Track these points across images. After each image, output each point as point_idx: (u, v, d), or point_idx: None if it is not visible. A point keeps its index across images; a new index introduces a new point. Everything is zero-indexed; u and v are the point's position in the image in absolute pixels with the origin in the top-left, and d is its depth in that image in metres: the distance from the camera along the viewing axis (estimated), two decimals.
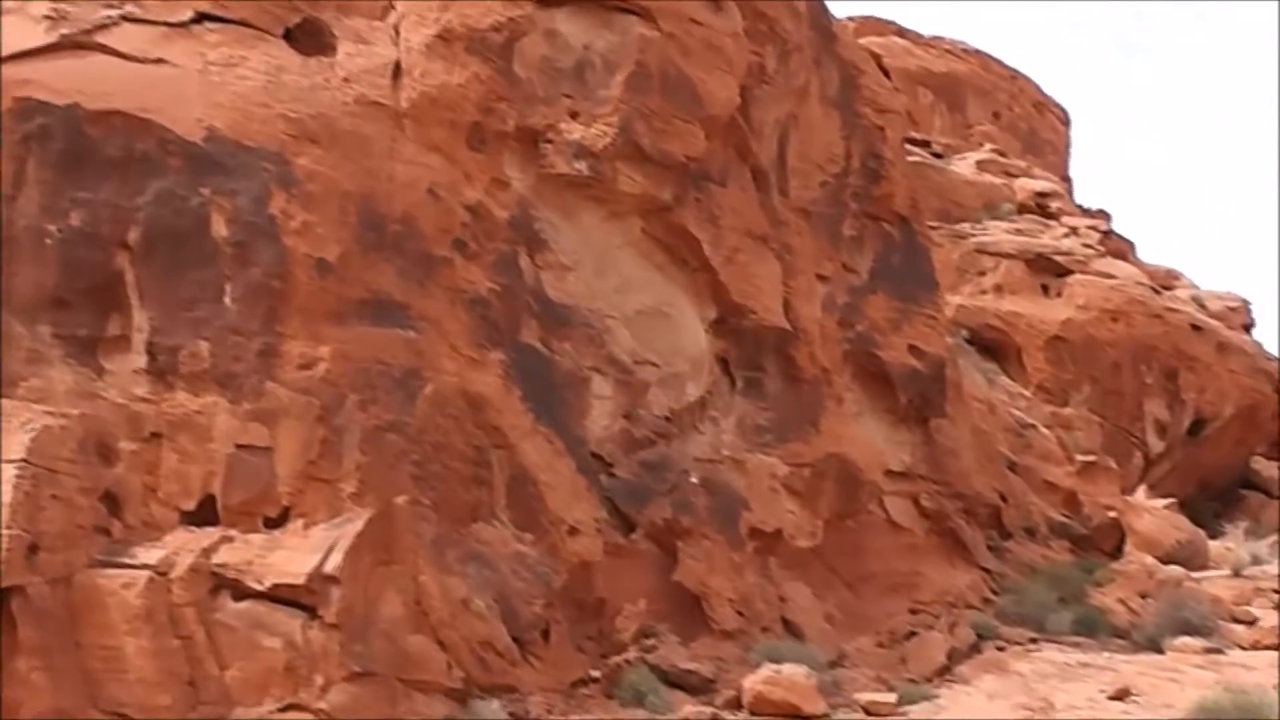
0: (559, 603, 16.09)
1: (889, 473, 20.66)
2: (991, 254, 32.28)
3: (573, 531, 16.47)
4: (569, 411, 17.05)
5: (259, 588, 13.66)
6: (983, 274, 32.09)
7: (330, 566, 13.92)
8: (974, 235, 32.37)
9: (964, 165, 35.74)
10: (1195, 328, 33.53)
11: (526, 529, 16.08)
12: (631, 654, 16.31)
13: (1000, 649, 18.47)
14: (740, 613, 17.83)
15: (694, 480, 18.03)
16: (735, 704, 15.85)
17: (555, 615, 16.04)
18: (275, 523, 14.19)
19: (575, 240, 17.73)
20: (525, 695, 15.15)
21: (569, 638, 16.25)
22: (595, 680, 15.97)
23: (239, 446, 14.22)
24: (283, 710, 13.40)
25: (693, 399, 18.66)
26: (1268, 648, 18.46)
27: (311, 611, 13.74)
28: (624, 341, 17.91)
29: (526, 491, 16.16)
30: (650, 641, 16.67)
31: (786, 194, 20.29)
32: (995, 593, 20.74)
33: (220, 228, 14.60)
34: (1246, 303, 38.13)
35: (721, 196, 19.05)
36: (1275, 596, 21.77)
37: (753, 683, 15.87)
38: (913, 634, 18.94)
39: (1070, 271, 32.42)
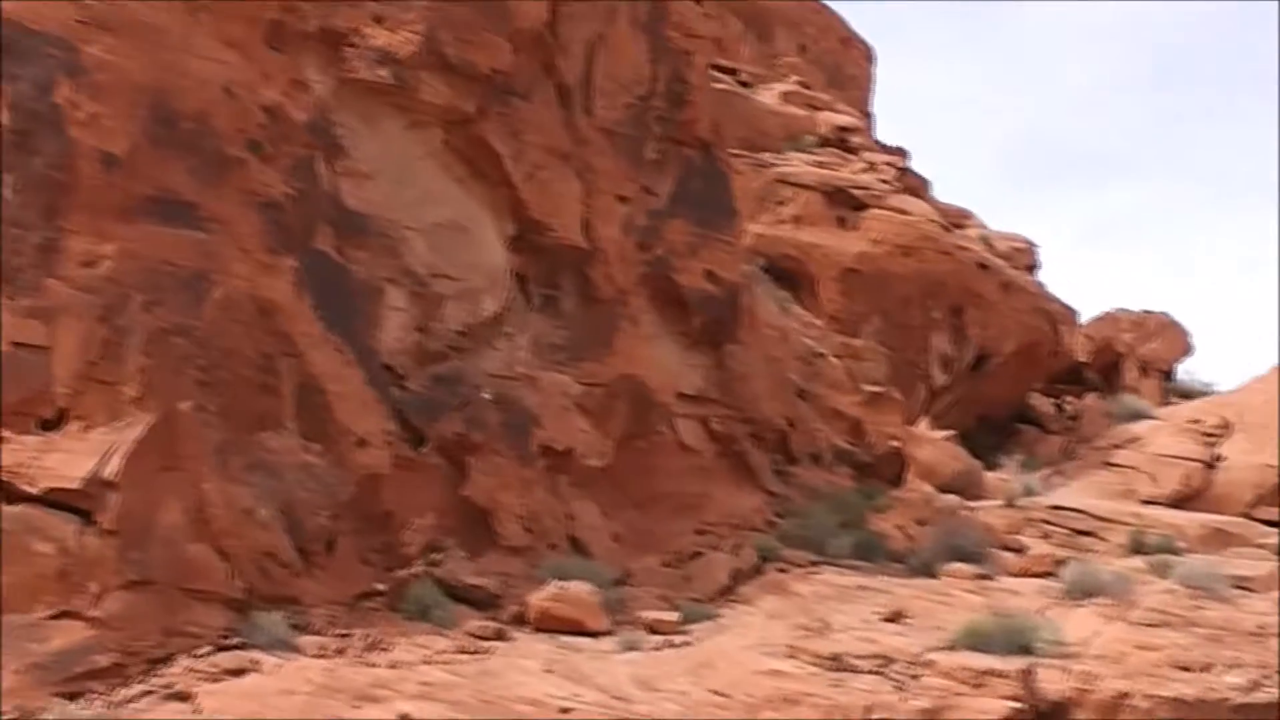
0: (345, 515, 15.94)
1: (681, 395, 20.84)
2: (791, 185, 32.60)
3: (361, 443, 16.30)
4: (361, 322, 16.83)
5: (33, 491, 13.28)
6: (782, 204, 32.41)
7: (108, 471, 13.59)
8: (775, 165, 32.63)
9: (769, 95, 35.91)
10: (982, 266, 34.41)
11: (314, 439, 15.88)
12: (417, 568, 16.26)
13: (782, 571, 18.81)
14: (528, 529, 17.88)
15: (486, 396, 17.97)
16: (520, 620, 15.92)
17: (341, 527, 15.90)
18: (52, 425, 13.78)
19: (375, 148, 17.45)
20: (308, 607, 15.00)
21: (354, 550, 16.12)
22: (380, 593, 15.88)
23: (15, 345, 13.72)
24: (55, 617, 13.08)
25: (488, 315, 18.57)
26: (1035, 575, 19.15)
27: (88, 517, 13.40)
28: (420, 253, 17.72)
29: (315, 401, 15.93)
30: (437, 556, 16.62)
31: (591, 113, 20.20)
32: (780, 516, 21.09)
33: (0, 114, 14.01)
34: (1032, 244, 39.30)
35: (526, 112, 18.91)
36: (1044, 527, 22.57)
37: (538, 599, 15.96)
38: (698, 554, 19.20)
39: (866, 206, 32.93)
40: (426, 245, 17.81)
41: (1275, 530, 25.81)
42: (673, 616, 16.47)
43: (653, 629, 16.10)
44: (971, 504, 23.13)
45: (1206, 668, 15.37)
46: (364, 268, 17.00)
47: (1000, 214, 78.15)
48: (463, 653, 14.74)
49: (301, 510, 15.36)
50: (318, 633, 14.53)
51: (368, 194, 17.18)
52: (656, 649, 15.53)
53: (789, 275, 30.75)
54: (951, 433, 26.96)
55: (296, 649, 13.97)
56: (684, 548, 19.39)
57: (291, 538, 15.17)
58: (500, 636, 15.36)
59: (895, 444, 24.40)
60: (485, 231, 18.64)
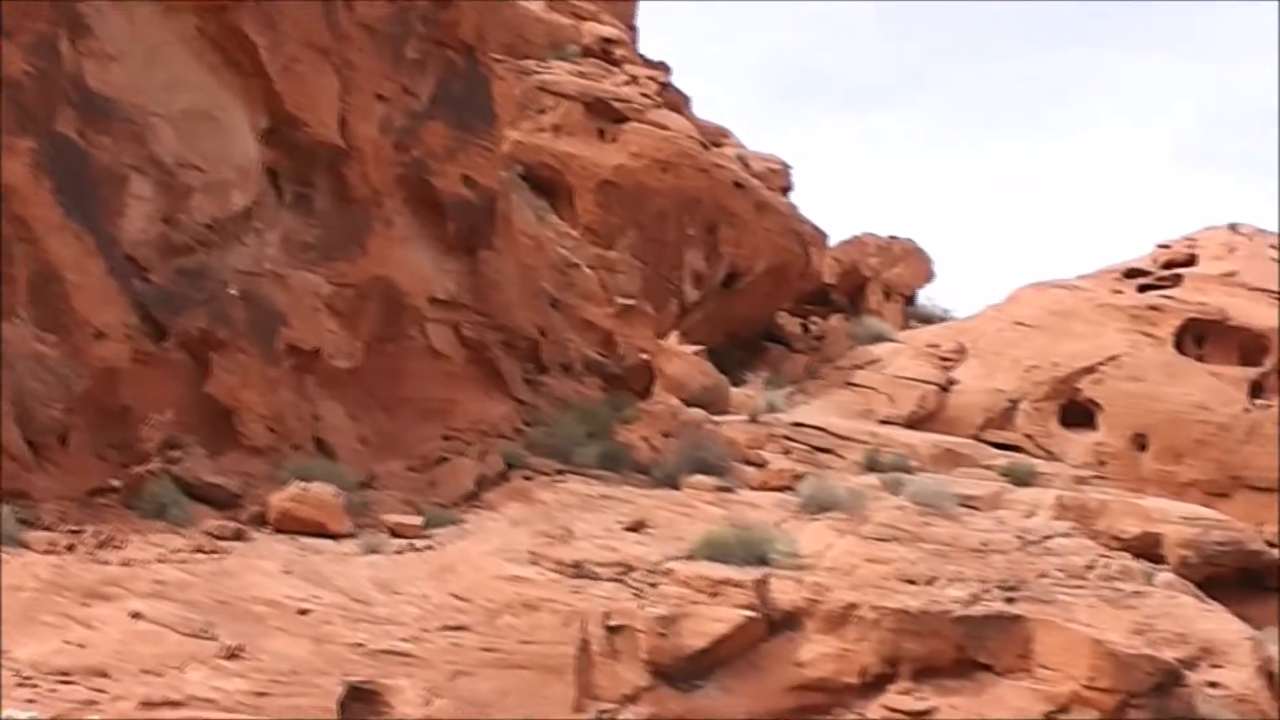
0: (80, 408, 15.45)
1: (433, 300, 20.65)
2: (553, 93, 32.49)
3: (99, 335, 15.79)
4: (104, 210, 16.23)
5: None
6: (542, 112, 32.27)
7: None
8: (538, 73, 32.44)
9: (534, 2, 35.63)
10: (738, 185, 34.85)
11: (49, 329, 15.32)
12: (155, 465, 15.84)
13: (528, 478, 18.87)
14: (272, 429, 17.57)
15: (233, 292, 17.53)
16: (260, 520, 15.69)
17: (75, 421, 15.41)
18: None
19: (124, 30, 16.77)
20: (37, 502, 14.55)
21: (89, 445, 15.66)
22: (115, 490, 15.46)
23: None
24: None
25: (238, 209, 18.07)
26: (774, 489, 19.63)
27: None
28: (168, 142, 17.13)
29: (51, 290, 15.36)
30: (175, 453, 16.22)
31: (352, 8, 19.72)
32: (528, 424, 21.14)
33: None
34: (787, 166, 39.94)
35: (284, 2, 18.37)
36: (786, 443, 23.17)
37: (279, 499, 15.75)
38: (444, 460, 19.14)
39: (627, 119, 33.03)
40: (174, 134, 17.22)
41: (1002, 452, 26.97)
42: (416, 521, 16.43)
43: (395, 532, 16.05)
44: (716, 419, 23.57)
45: (931, 581, 16.04)
46: (108, 154, 16.37)
47: (759, 136, 79.08)
48: (199, 552, 14.47)
49: (33, 402, 14.84)
50: (47, 528, 14.08)
51: (113, 77, 16.52)
52: (398, 552, 15.49)
53: (547, 184, 30.71)
54: (700, 348, 27.38)
55: (24, 544, 13.51)
56: (430, 453, 19.31)
57: (22, 430, 14.66)
58: (239, 537, 15.11)
59: (645, 357, 24.63)
60: (237, 123, 18.11)
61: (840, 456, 23.19)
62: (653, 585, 14.94)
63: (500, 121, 23.31)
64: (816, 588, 15.38)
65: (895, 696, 14.71)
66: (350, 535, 15.70)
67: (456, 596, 14.29)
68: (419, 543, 15.89)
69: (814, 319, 40.17)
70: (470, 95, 21.87)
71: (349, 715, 12.48)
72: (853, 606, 15.12)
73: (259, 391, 17.49)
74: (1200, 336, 38.16)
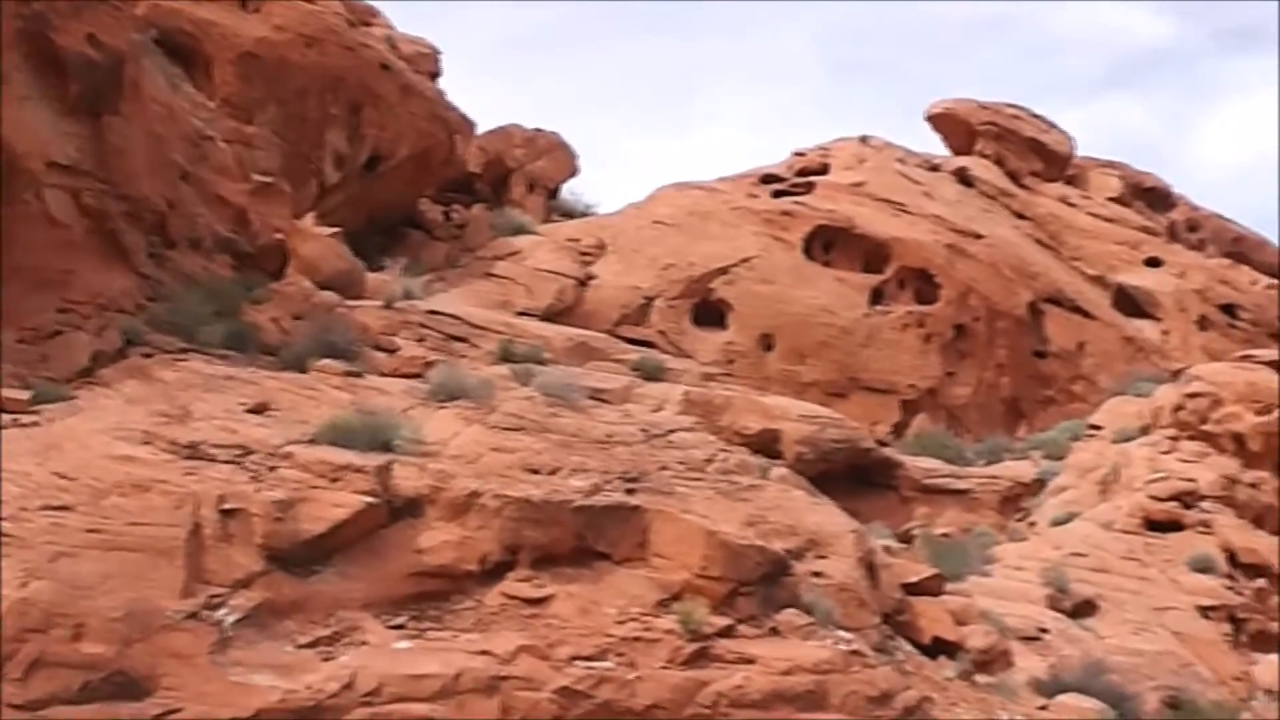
0: None
1: (51, 164, 19.49)
2: None
3: None
4: None
5: None
6: None
7: None
8: None
9: None
10: (384, 67, 34.26)
11: None
12: None
13: (148, 355, 18.14)
14: None
15: None
16: None
17: None
18: None
19: None
20: None
21: None
22: None
23: None
24: None
25: None
26: (405, 375, 19.46)
27: None
28: None
29: None
30: None
31: None
32: (151, 300, 20.32)
33: None
34: (436, 51, 39.42)
35: None
36: (420, 330, 22.97)
37: None
38: (58, 333, 18.22)
39: None
40: None
41: (634, 348, 27.47)
42: (24, 395, 15.62)
43: (3, 408, 15.21)
44: (351, 303, 23.14)
45: (554, 471, 16.21)
46: None
47: (411, 21, 77.60)
48: None
49: None
50: None
51: None
52: (3, 428, 14.70)
53: (183, 51, 29.45)
54: (337, 230, 26.78)
55: None
56: (43, 325, 18.34)
57: None
58: None
59: (279, 237, 23.98)
60: None
61: (475, 346, 23.12)
62: (271, 469, 14.60)
63: None
64: (440, 475, 15.33)
65: (514, 584, 14.83)
66: None
67: (61, 475, 13.65)
68: (25, 419, 15.12)
69: (456, 208, 40.00)
70: None
71: None
72: (475, 495, 15.14)
73: None
74: (829, 243, 39.77)
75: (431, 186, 38.49)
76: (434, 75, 39.01)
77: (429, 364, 19.97)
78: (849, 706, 15.07)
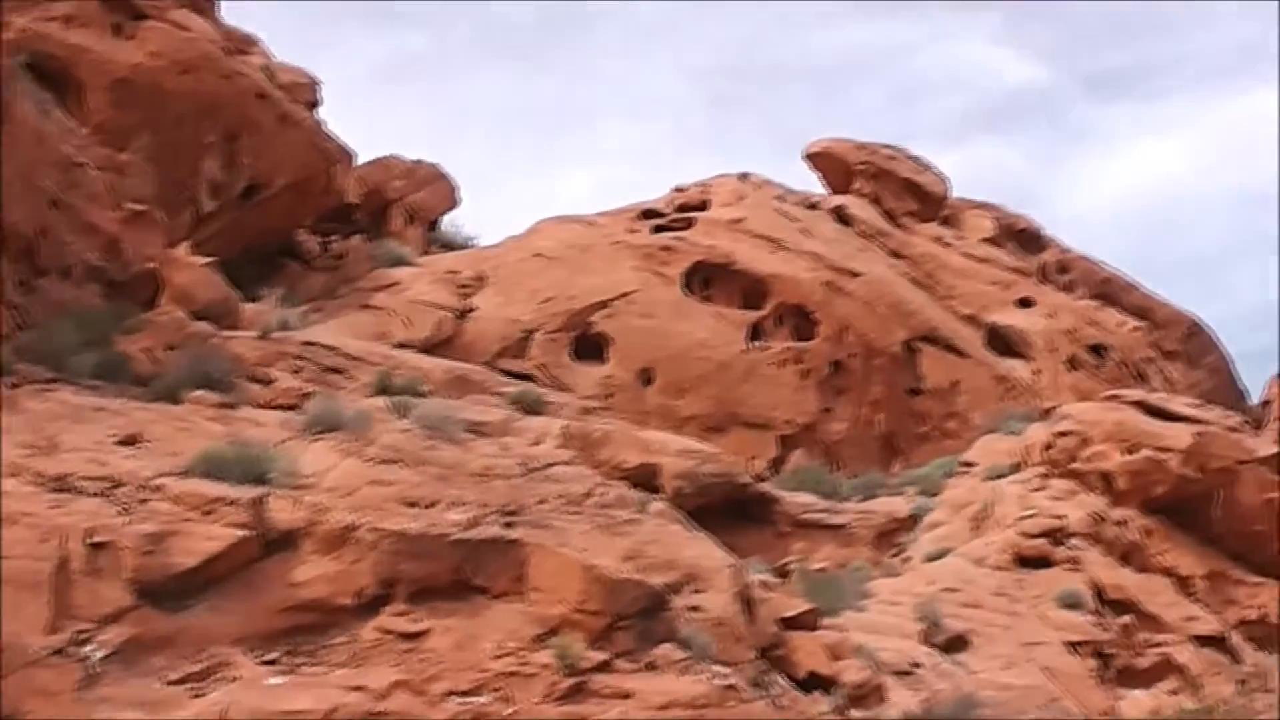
0: None
1: None
2: None
3: None
4: None
5: None
6: (54, 0, 30.37)
7: None
8: None
9: None
10: (261, 95, 33.91)
11: None
12: None
13: (15, 386, 17.74)
14: None
15: None
16: None
17: None
18: None
19: None
20: None
21: None
22: None
23: None
24: None
25: None
26: (280, 407, 19.24)
27: None
28: None
29: None
30: None
31: None
32: (19, 328, 19.90)
33: None
34: (315, 80, 39.06)
35: None
36: (296, 361, 22.67)
37: None
38: None
39: (147, 16, 31.57)
40: None
41: (513, 380, 27.39)
42: None
43: None
44: (226, 333, 22.82)
45: (432, 504, 16.10)
46: None
47: (291, 50, 77.07)
48: None
49: None
50: None
51: None
52: None
53: (54, 77, 28.88)
54: (213, 259, 26.40)
55: None
56: None
57: None
58: None
59: (151, 265, 23.60)
60: None
61: (352, 378, 22.87)
62: (142, 501, 14.34)
63: (2, 5, 21.74)
64: (316, 508, 15.17)
65: (390, 618, 14.69)
66: None
67: None
68: None
69: (335, 238, 39.66)
70: None
71: None
72: (351, 528, 14.99)
73: None
74: (708, 278, 39.98)
75: (309, 216, 38.09)
76: (313, 105, 38.65)
77: (305, 395, 19.77)
78: None
